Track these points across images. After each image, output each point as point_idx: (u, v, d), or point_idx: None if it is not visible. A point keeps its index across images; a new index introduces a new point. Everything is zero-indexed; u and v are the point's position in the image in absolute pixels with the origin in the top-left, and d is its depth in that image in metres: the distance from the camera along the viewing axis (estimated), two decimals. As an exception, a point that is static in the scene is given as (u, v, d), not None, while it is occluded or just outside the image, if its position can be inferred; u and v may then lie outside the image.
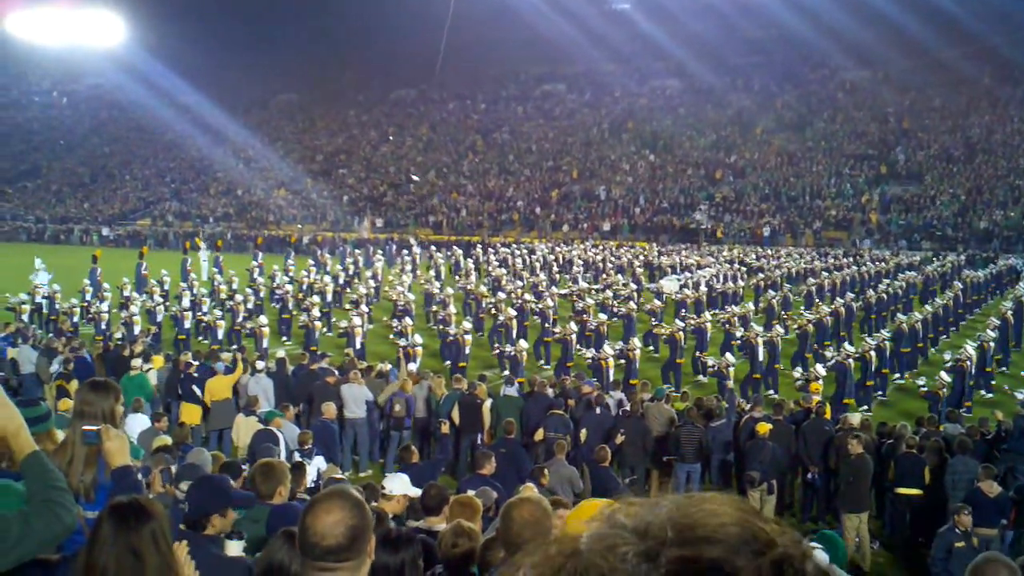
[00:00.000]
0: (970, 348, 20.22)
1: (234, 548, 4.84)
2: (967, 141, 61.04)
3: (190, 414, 15.46)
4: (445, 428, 14.76)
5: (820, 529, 12.14)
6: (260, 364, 16.88)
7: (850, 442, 12.25)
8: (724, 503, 1.03)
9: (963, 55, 64.10)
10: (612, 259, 42.64)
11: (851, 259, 42.66)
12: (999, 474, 11.89)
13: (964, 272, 37.80)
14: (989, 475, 11.56)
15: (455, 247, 47.10)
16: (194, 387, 15.80)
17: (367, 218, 65.61)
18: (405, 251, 46.20)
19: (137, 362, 16.27)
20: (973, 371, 19.87)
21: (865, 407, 18.92)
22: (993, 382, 21.33)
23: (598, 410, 14.40)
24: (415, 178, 71.97)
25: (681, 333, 22.31)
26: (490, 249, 46.82)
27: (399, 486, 7.01)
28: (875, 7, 64.16)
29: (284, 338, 26.63)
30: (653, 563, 0.96)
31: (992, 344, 21.90)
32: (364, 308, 26.69)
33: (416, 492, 7.08)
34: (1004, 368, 23.09)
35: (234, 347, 20.89)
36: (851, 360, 19.11)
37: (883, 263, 40.80)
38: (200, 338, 26.00)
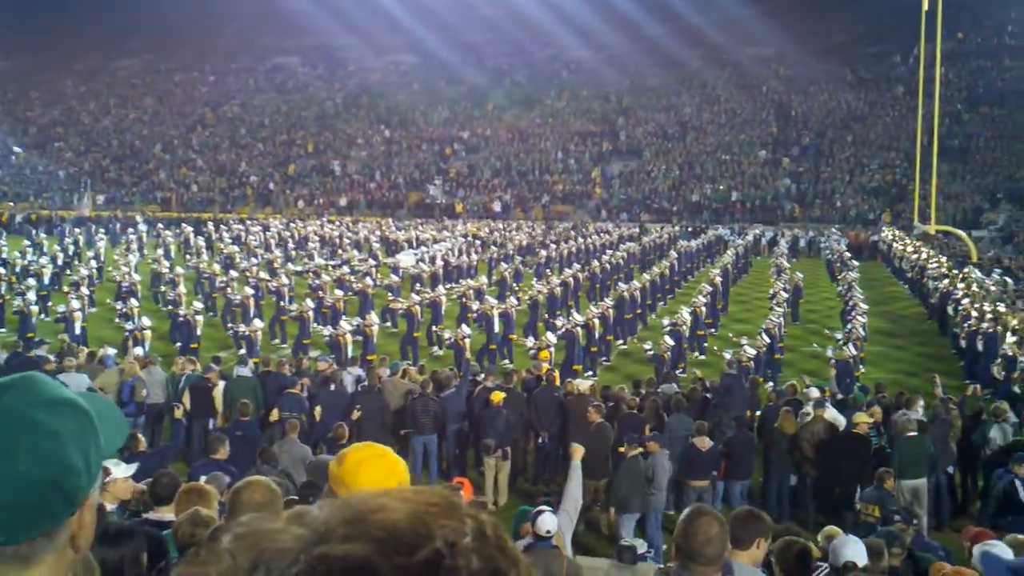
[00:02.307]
0: (685, 313, 21.81)
1: None
2: (680, 119, 65.36)
3: None
4: (178, 413, 14.24)
5: (551, 491, 12.75)
6: (-35, 355, 15.53)
7: (589, 411, 12.80)
8: (400, 496, 0.97)
9: (675, 38, 68.27)
10: (349, 235, 42.46)
11: (578, 232, 44.61)
12: (710, 429, 12.92)
13: (679, 242, 40.56)
14: (702, 431, 12.55)
15: (185, 224, 45.30)
16: None
17: (88, 194, 61.41)
18: (131, 229, 43.95)
19: None
20: (688, 334, 21.45)
21: (590, 372, 19.97)
22: (705, 344, 23.09)
23: (333, 387, 14.35)
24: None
25: (417, 307, 22.58)
26: (222, 226, 45.34)
27: (123, 470, 6.72)
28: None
29: (-5, 325, 24.67)
30: (293, 563, 0.90)
31: (704, 309, 23.70)
32: (85, 291, 25.17)
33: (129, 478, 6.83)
34: (714, 331, 25.02)
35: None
36: (579, 328, 20.09)
37: (607, 235, 43.04)
38: None
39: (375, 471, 2.74)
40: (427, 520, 0.93)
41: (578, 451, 8.52)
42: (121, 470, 6.73)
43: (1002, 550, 6.19)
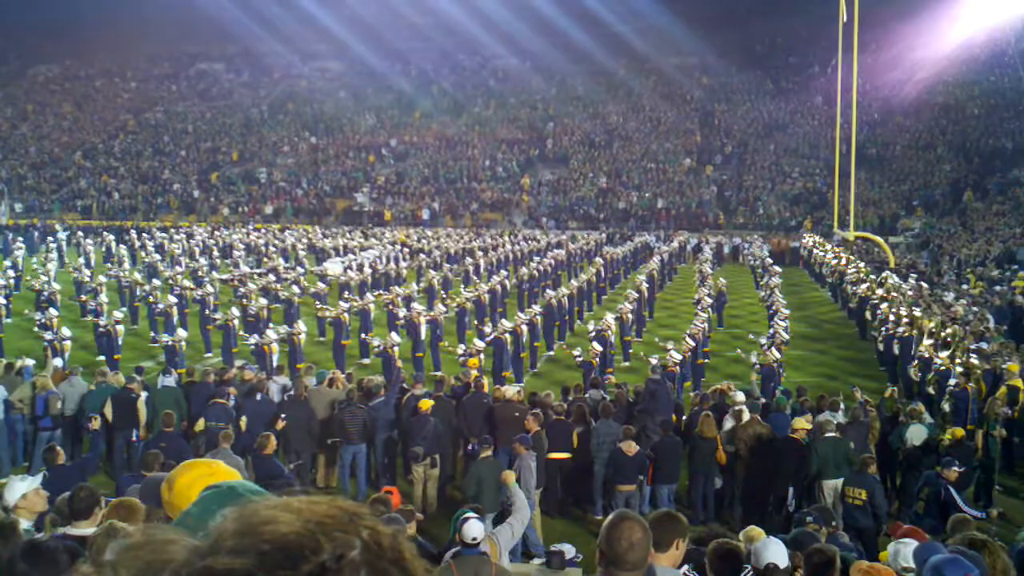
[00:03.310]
0: (610, 319, 21.99)
1: None
2: (606, 127, 65.94)
3: None
4: (95, 424, 13.92)
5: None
6: None
7: (527, 420, 12.83)
8: (296, 508, 0.96)
9: (601, 46, 68.81)
10: (275, 242, 42.03)
11: (506, 239, 44.70)
12: (636, 434, 13.05)
13: (605, 249, 40.88)
14: (628, 436, 12.68)
15: (106, 232, 44.54)
16: None
17: (5, 203, 59.75)
18: (50, 238, 43.00)
19: None
20: (614, 340, 21.64)
21: (515, 378, 20.01)
22: (631, 350, 23.31)
23: (259, 396, 14.19)
24: None
25: (346, 315, 22.44)
26: (145, 234, 44.55)
27: (28, 483, 6.55)
28: (523, -3, 67.39)
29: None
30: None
31: (630, 315, 23.95)
32: (2, 300, 24.60)
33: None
34: (639, 337, 25.28)
35: None
36: (507, 335, 20.15)
37: (535, 242, 43.25)
38: None
39: None
40: (317, 533, 0.92)
41: (509, 477, 8.62)
42: (27, 484, 6.53)
43: (909, 547, 6.42)
